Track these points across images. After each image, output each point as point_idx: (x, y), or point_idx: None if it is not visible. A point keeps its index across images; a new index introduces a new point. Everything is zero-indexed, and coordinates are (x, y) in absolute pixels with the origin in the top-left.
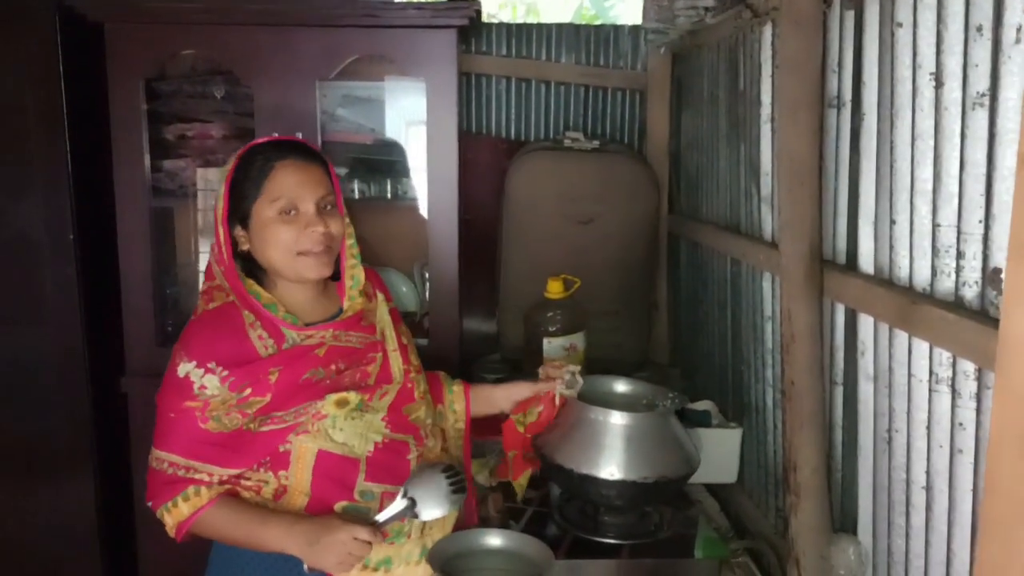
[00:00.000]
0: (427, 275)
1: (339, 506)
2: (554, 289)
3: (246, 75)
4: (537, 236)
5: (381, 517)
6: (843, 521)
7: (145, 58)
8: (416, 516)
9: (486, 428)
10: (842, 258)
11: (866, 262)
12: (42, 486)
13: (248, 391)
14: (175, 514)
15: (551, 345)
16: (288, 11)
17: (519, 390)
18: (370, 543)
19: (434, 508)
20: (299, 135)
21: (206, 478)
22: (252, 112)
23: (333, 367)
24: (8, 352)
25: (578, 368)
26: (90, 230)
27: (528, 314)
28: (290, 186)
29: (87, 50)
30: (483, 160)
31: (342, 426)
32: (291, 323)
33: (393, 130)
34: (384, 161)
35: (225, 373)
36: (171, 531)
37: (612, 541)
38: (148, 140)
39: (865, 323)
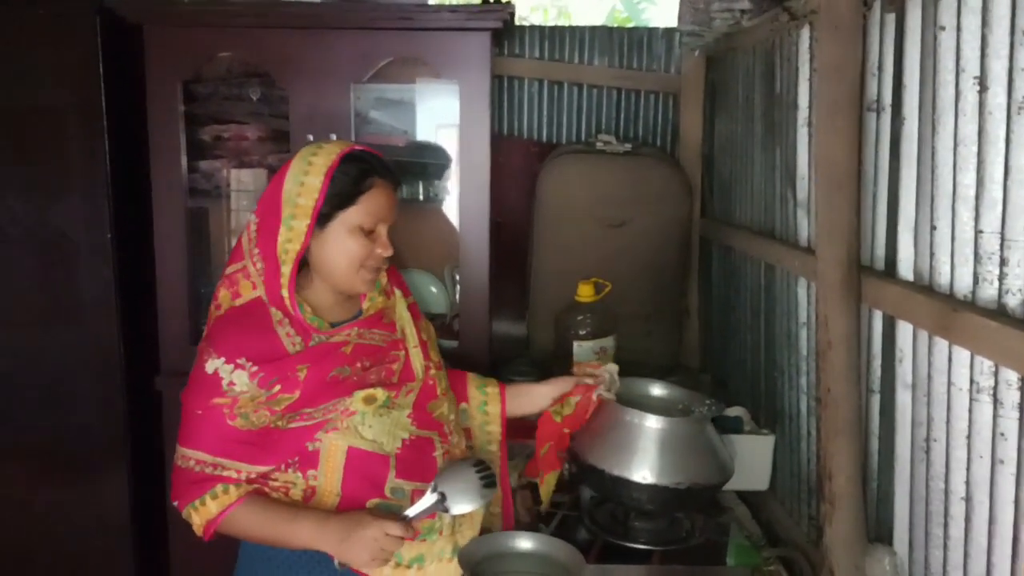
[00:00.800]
0: (457, 277)
1: (371, 503)
2: (585, 292)
3: (282, 77)
4: (568, 239)
5: (411, 512)
6: (878, 531)
7: (183, 60)
8: (446, 510)
9: (517, 430)
10: (880, 264)
11: (905, 268)
12: (78, 483)
13: (277, 387)
14: (203, 512)
15: (581, 348)
16: (324, 14)
17: (561, 385)
18: (401, 538)
19: (464, 502)
20: (333, 136)
21: (234, 475)
22: (287, 114)
23: (359, 365)
24: (46, 351)
25: (616, 368)
26: (127, 230)
27: (558, 317)
28: (381, 207)
29: (126, 52)
30: (515, 163)
31: (371, 423)
32: (317, 326)
33: (424, 132)
34: (416, 163)
35: (255, 369)
36: (199, 530)
37: (643, 547)
38: (185, 141)
39: (904, 330)
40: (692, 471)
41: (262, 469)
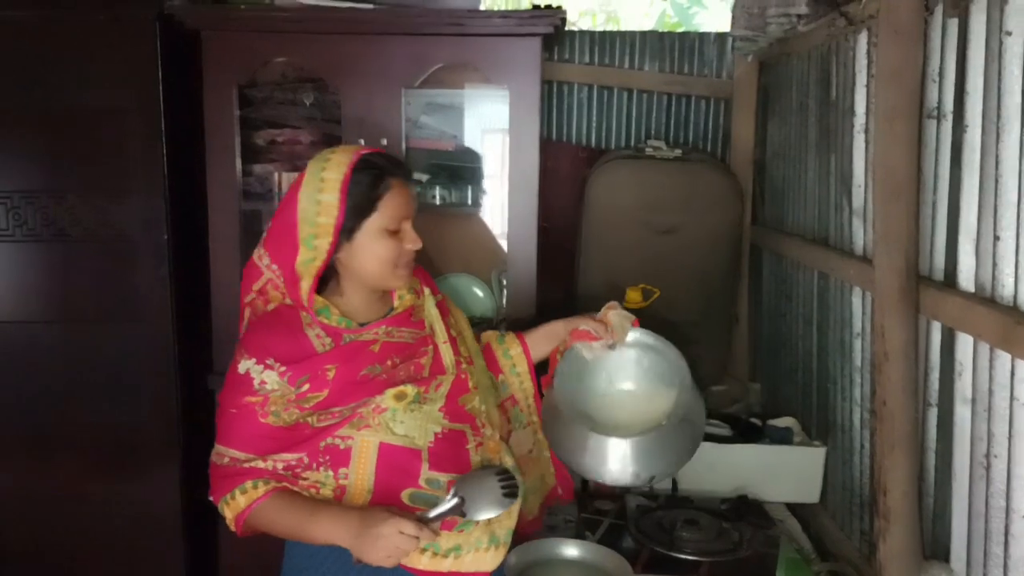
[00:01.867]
0: (504, 281)
1: (406, 493)
2: (633, 299)
3: (335, 82)
4: (616, 245)
5: (431, 514)
6: (934, 548)
7: (239, 65)
8: (464, 515)
9: None
10: (939, 275)
11: (966, 279)
12: (131, 478)
13: (306, 386)
14: (233, 506)
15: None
16: (376, 19)
17: (574, 321)
18: (416, 537)
19: (483, 510)
20: (384, 142)
21: (268, 466)
22: (339, 119)
23: (388, 362)
24: (103, 348)
25: (626, 319)
26: (183, 231)
27: None
28: (401, 206)
29: (184, 57)
30: (563, 168)
31: (402, 419)
32: (345, 327)
33: (471, 137)
34: (466, 168)
35: (283, 369)
36: (231, 524)
37: (690, 557)
38: (239, 145)
39: (964, 343)
40: None
41: (292, 457)
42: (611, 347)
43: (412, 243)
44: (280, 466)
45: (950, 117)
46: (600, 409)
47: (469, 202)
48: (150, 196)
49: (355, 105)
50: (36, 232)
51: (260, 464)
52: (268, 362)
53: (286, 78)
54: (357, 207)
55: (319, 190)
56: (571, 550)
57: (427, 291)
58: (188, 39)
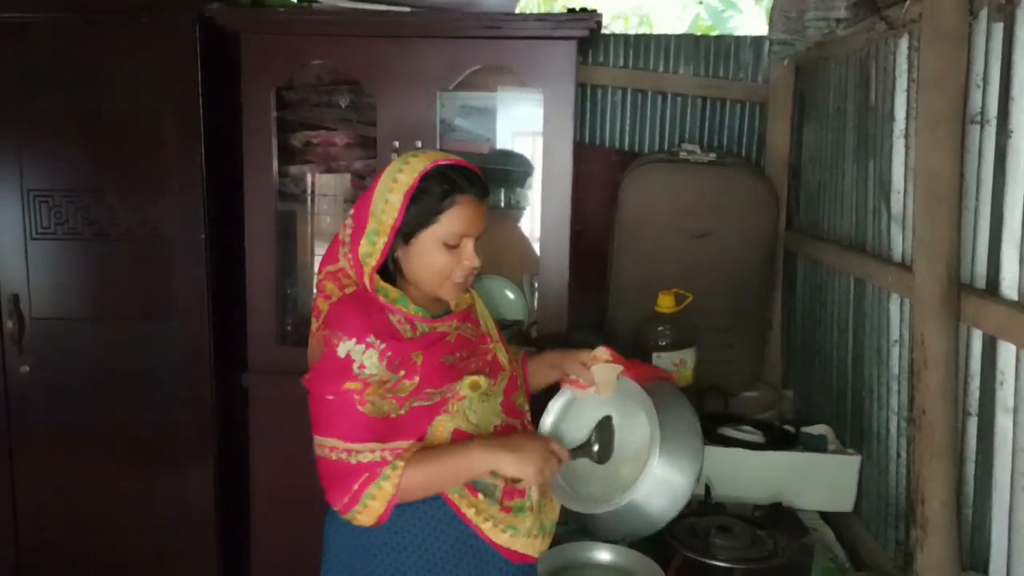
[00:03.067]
0: (536, 285)
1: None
2: (665, 303)
3: (370, 85)
4: (649, 249)
5: (570, 456)
6: (972, 560)
7: (277, 67)
8: (596, 459)
9: None
10: (981, 282)
11: (1009, 287)
12: (166, 474)
13: (402, 372)
14: (370, 512)
15: (660, 360)
16: (412, 22)
17: (567, 363)
18: (560, 459)
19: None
20: (418, 144)
21: (377, 458)
22: (375, 121)
23: (458, 354)
24: (140, 345)
25: (610, 371)
26: (220, 231)
27: (638, 328)
28: (465, 224)
29: (223, 59)
30: (596, 171)
31: (475, 408)
32: (421, 315)
33: (504, 140)
34: (500, 171)
35: (383, 347)
36: (369, 523)
37: (724, 564)
38: (276, 146)
39: (1006, 351)
40: None
41: (405, 444)
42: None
43: (468, 260)
44: (389, 455)
45: (994, 122)
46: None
47: (502, 205)
48: (188, 196)
49: (390, 107)
50: (76, 230)
51: (369, 457)
52: (369, 340)
53: (322, 80)
54: (419, 214)
55: (390, 189)
56: (603, 554)
57: (474, 292)
58: (227, 42)
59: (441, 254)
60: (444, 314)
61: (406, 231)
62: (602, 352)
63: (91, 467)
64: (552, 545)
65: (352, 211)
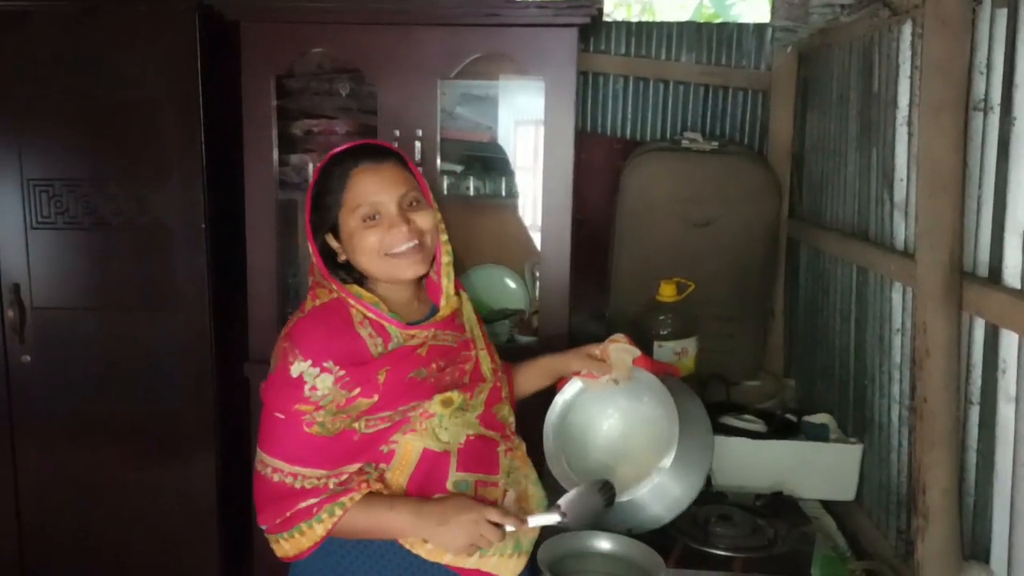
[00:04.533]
0: (537, 274)
1: (436, 497)
2: (667, 292)
3: (371, 73)
4: (651, 238)
5: (531, 521)
6: (974, 549)
7: (277, 56)
8: (564, 522)
9: None
10: (984, 270)
11: (1012, 275)
12: (169, 463)
13: (357, 391)
14: (294, 544)
15: (662, 349)
16: (413, 10)
17: (569, 363)
18: (501, 528)
19: (583, 519)
20: (419, 133)
21: (321, 485)
22: (375, 109)
23: (434, 366)
24: (141, 335)
25: (628, 354)
26: (220, 220)
27: (639, 317)
28: (368, 192)
29: (223, 48)
30: (597, 159)
31: (447, 425)
32: (397, 320)
33: (505, 128)
34: (500, 159)
35: (341, 373)
36: (285, 556)
37: (724, 553)
38: (277, 135)
39: (1008, 340)
40: None
41: (352, 468)
42: (616, 382)
43: (391, 223)
44: (332, 483)
45: (997, 110)
46: (591, 446)
47: (503, 193)
48: (188, 185)
49: (391, 96)
50: (77, 220)
51: (313, 483)
52: (325, 364)
53: (323, 69)
54: (326, 206)
55: (307, 193)
56: (604, 543)
57: (464, 294)
58: (227, 30)
59: (365, 231)
60: (425, 320)
61: (330, 224)
62: (619, 336)
63: (93, 456)
64: (552, 535)
65: None
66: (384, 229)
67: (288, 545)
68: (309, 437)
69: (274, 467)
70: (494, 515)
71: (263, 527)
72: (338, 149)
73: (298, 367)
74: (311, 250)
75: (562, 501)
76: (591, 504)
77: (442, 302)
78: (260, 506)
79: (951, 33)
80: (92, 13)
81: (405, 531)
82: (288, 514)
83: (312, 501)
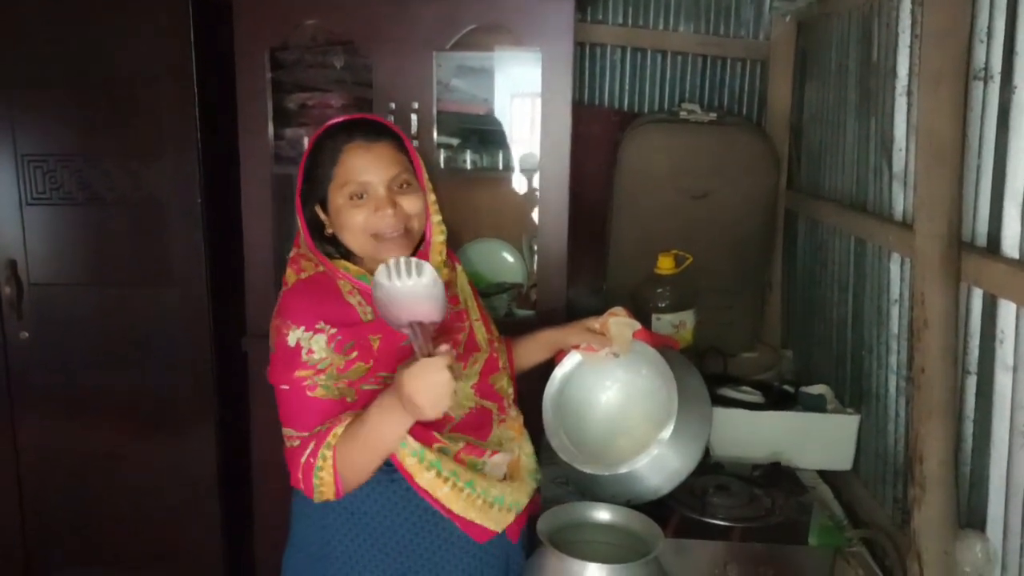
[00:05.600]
0: (535, 247)
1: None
2: (665, 265)
3: (365, 45)
4: (649, 210)
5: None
6: (970, 517)
7: (270, 28)
8: None
9: None
10: (982, 240)
11: (1010, 246)
12: (168, 437)
13: (354, 354)
14: (326, 489)
15: (660, 322)
16: None
17: (568, 336)
18: (449, 368)
19: None
20: (415, 106)
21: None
22: (371, 82)
23: None
24: (138, 311)
25: (628, 325)
26: (216, 195)
27: (637, 290)
28: (357, 170)
29: (216, 21)
30: (594, 132)
31: None
32: None
33: (502, 101)
34: (497, 132)
35: (333, 331)
36: (333, 497)
37: (722, 523)
38: (271, 108)
39: (1006, 310)
40: None
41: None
42: (615, 355)
43: (377, 205)
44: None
45: (997, 79)
46: (590, 419)
47: (500, 166)
48: (183, 160)
49: (386, 68)
50: (71, 195)
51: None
52: (318, 326)
53: (317, 41)
54: (317, 179)
55: (300, 163)
56: (602, 513)
57: (459, 267)
58: (220, 2)
59: (352, 209)
60: None
61: (319, 198)
62: (619, 309)
63: (92, 432)
64: (551, 506)
65: None
66: (370, 209)
67: (327, 492)
68: (313, 400)
69: (290, 436)
70: (438, 360)
71: (301, 489)
72: (334, 121)
73: (293, 335)
74: (299, 221)
75: None
76: None
77: None
78: (291, 471)
79: (951, 2)
80: None
81: (399, 424)
82: (300, 475)
83: (307, 452)
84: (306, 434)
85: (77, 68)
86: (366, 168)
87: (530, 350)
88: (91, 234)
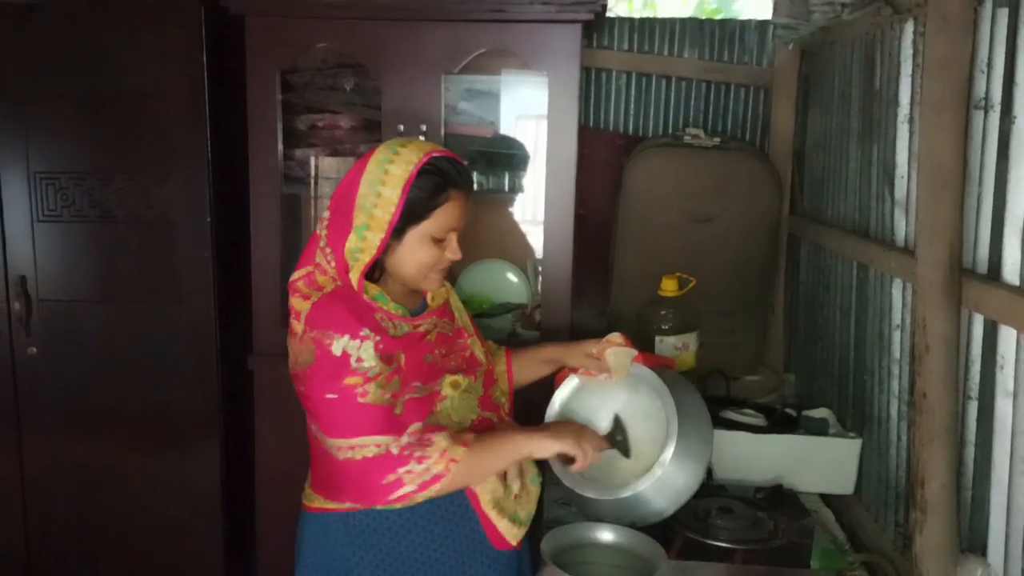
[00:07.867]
0: (540, 268)
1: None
2: (668, 287)
3: (375, 68)
4: (653, 233)
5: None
6: (971, 541)
7: (282, 50)
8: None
9: None
10: (983, 267)
11: (1011, 272)
12: (173, 454)
13: (394, 364)
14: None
15: (663, 344)
16: (417, 6)
17: (566, 357)
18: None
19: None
20: (423, 128)
21: (391, 447)
22: (379, 104)
23: (438, 352)
24: (146, 328)
25: (625, 353)
26: (225, 214)
27: (641, 312)
28: (453, 219)
29: (228, 42)
30: (599, 155)
31: (457, 406)
32: (402, 315)
33: (508, 124)
34: (503, 155)
35: (377, 339)
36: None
37: (725, 545)
38: (281, 129)
39: (1006, 335)
40: None
41: (418, 426)
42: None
43: (452, 254)
44: (405, 441)
45: (998, 108)
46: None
47: (506, 188)
48: (194, 179)
49: (395, 91)
50: (83, 213)
51: (407, 440)
52: (362, 333)
53: (327, 63)
54: (413, 211)
55: (381, 182)
56: (606, 534)
57: (448, 285)
58: (232, 24)
59: (427, 249)
60: (421, 311)
61: (400, 227)
62: (615, 336)
63: (98, 448)
64: (555, 527)
65: (330, 204)
66: (441, 253)
67: (412, 489)
68: (365, 407)
69: (357, 445)
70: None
71: (372, 498)
72: (439, 153)
73: (339, 344)
74: (374, 243)
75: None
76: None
77: (430, 295)
78: (361, 482)
79: (953, 32)
80: (98, 7)
81: (546, 448)
82: (394, 478)
83: (412, 455)
84: (389, 439)
85: (90, 87)
86: (459, 219)
87: (532, 365)
88: (101, 251)
